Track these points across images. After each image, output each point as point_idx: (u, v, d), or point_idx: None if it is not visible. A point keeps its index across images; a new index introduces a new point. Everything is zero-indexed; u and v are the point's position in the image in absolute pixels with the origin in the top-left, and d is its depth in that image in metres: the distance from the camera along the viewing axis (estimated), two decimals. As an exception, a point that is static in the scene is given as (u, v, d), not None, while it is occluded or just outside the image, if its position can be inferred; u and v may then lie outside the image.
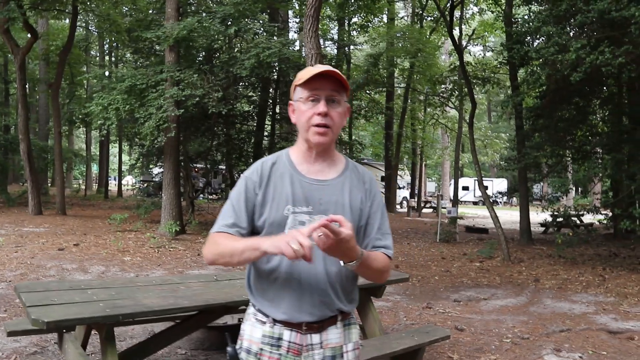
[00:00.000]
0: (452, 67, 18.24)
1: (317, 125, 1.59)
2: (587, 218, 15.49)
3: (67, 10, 17.03)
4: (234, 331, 1.75)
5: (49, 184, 27.20)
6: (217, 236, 1.62)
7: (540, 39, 10.54)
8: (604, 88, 12.22)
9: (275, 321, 1.62)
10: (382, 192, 24.54)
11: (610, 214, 13.31)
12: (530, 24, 10.14)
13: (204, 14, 11.76)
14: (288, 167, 1.67)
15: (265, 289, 1.64)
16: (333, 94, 1.61)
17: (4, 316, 4.93)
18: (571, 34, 9.75)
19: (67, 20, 21.30)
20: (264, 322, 1.64)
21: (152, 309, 2.74)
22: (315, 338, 1.63)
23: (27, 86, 18.50)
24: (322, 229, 1.37)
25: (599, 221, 13.75)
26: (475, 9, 22.83)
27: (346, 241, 1.40)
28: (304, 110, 1.62)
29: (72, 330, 3.42)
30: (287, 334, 1.61)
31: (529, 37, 10.84)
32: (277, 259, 1.60)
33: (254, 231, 1.66)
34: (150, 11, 15.89)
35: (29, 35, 15.89)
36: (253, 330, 1.66)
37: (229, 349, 1.68)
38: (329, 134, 1.62)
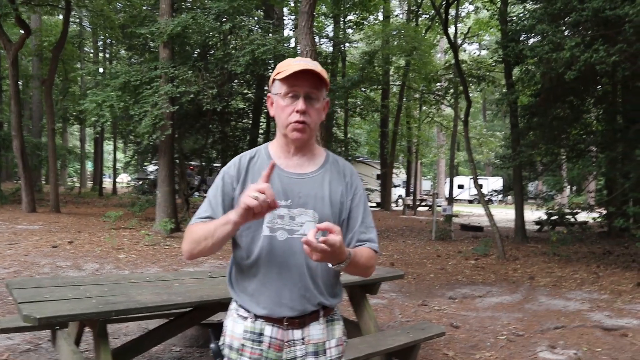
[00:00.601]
0: (447, 65, 18.25)
1: (296, 122, 1.58)
2: (582, 216, 15.57)
3: (60, 6, 16.92)
4: (220, 328, 1.74)
5: (43, 182, 27.08)
6: (191, 227, 1.61)
7: (535, 37, 10.55)
8: (598, 87, 12.26)
9: (256, 316, 1.61)
10: (377, 190, 24.58)
11: (605, 212, 13.37)
12: (525, 22, 10.15)
13: (198, 10, 11.70)
14: (266, 161, 1.66)
15: (246, 284, 1.63)
16: (312, 90, 1.59)
17: (-3, 313, 4.89)
18: (566, 32, 9.76)
19: (61, 16, 21.16)
20: (246, 318, 1.63)
21: (146, 305, 2.71)
22: (297, 334, 1.61)
23: (20, 83, 18.38)
24: (321, 246, 1.35)
25: (594, 219, 13.81)
26: (471, 8, 22.86)
27: (337, 247, 1.38)
28: (282, 106, 1.60)
29: (65, 327, 3.41)
30: (268, 330, 1.60)
31: (524, 35, 10.85)
32: (255, 253, 1.59)
33: None
34: (144, 7, 15.82)
35: (21, 31, 15.76)
36: (235, 326, 1.65)
37: (212, 345, 1.68)
38: (307, 130, 1.61)
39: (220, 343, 1.68)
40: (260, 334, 1.60)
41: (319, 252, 1.36)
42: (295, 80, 1.57)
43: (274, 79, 1.63)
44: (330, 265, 1.48)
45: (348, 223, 1.67)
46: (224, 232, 1.47)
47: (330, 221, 1.52)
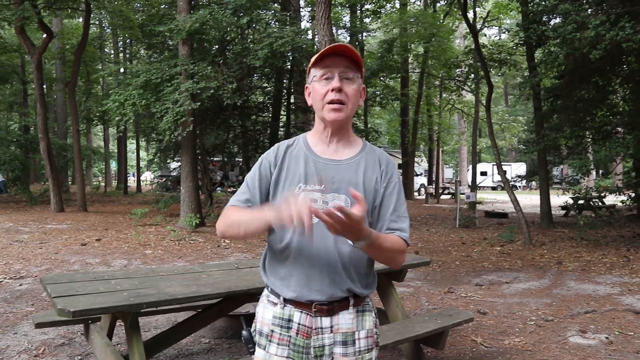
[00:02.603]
0: (467, 49, 18.00)
1: (332, 102, 1.59)
2: (610, 199, 15.27)
3: (80, 9, 17.17)
4: (251, 317, 1.77)
5: (70, 182, 27.66)
6: (229, 209, 1.64)
7: (558, 18, 10.31)
8: (624, 66, 11.94)
9: (285, 301, 1.63)
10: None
11: (633, 194, 13.08)
12: (547, 2, 9.92)
13: (215, 6, 11.74)
14: (303, 149, 1.68)
15: (277, 268, 1.65)
16: (346, 70, 1.60)
17: (32, 310, 5.02)
18: (589, 11, 9.52)
19: (81, 19, 21.50)
20: (275, 304, 1.65)
21: (176, 297, 2.75)
22: (326, 322, 1.61)
23: (44, 86, 18.74)
24: (336, 213, 1.33)
25: (622, 202, 13.53)
26: (489, -9, 22.45)
27: (356, 222, 1.36)
28: (318, 89, 1.62)
29: (98, 320, 3.48)
30: (297, 316, 1.61)
31: (545, 16, 10.62)
32: (288, 238, 1.60)
33: None
34: (162, 6, 15.94)
35: (44, 35, 16.06)
36: (265, 312, 1.68)
37: (244, 332, 1.70)
38: (344, 110, 1.60)
39: (252, 329, 1.71)
40: (289, 320, 1.62)
41: (337, 222, 1.33)
42: (329, 61, 1.60)
43: (309, 69, 1.67)
44: (350, 242, 1.47)
45: (380, 211, 1.66)
46: (258, 226, 1.51)
47: None
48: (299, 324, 1.61)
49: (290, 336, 1.61)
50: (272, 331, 1.63)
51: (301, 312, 1.61)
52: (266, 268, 1.71)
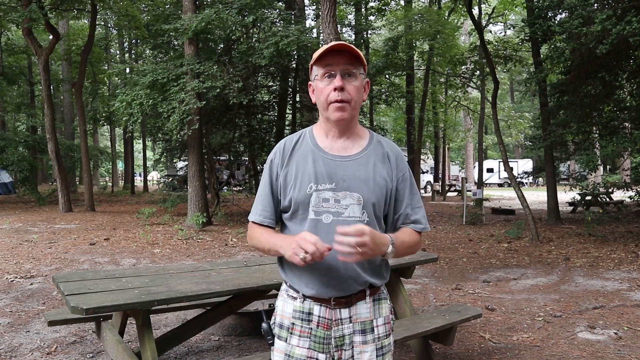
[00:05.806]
0: (472, 46, 17.92)
1: (335, 102, 1.60)
2: (617, 195, 15.19)
3: (86, 10, 17.26)
4: (271, 311, 1.81)
5: (77, 182, 27.82)
6: (251, 227, 1.75)
7: (564, 13, 10.27)
8: (631, 60, 11.87)
9: (305, 296, 1.66)
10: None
11: (641, 189, 12.98)
12: (552, -3, 9.87)
13: (220, 6, 11.76)
14: (310, 145, 1.69)
15: (294, 266, 1.66)
16: (348, 67, 1.60)
17: (43, 308, 5.08)
18: (595, 5, 9.47)
19: (87, 20, 21.60)
20: (295, 298, 1.68)
21: (186, 294, 2.78)
22: (345, 313, 1.66)
23: (51, 86, 18.85)
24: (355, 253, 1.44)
25: (630, 198, 13.44)
26: (495, -13, 22.34)
27: (370, 242, 1.44)
28: (321, 87, 1.62)
29: (109, 317, 3.52)
30: (316, 309, 1.65)
31: (551, 12, 10.57)
32: None
33: (283, 210, 1.71)
34: (167, 6, 15.99)
35: (50, 37, 16.16)
36: (285, 306, 1.71)
37: (263, 324, 1.74)
38: (347, 109, 1.61)
39: (271, 322, 1.74)
40: (309, 314, 1.66)
41: (355, 255, 1.45)
42: (329, 59, 1.60)
43: (311, 66, 1.67)
44: (380, 257, 1.55)
45: (395, 206, 1.70)
46: (276, 254, 1.64)
47: (375, 203, 1.61)
48: (319, 316, 1.65)
49: (311, 328, 1.65)
50: (293, 324, 1.67)
51: (320, 305, 1.65)
52: (283, 265, 1.74)
